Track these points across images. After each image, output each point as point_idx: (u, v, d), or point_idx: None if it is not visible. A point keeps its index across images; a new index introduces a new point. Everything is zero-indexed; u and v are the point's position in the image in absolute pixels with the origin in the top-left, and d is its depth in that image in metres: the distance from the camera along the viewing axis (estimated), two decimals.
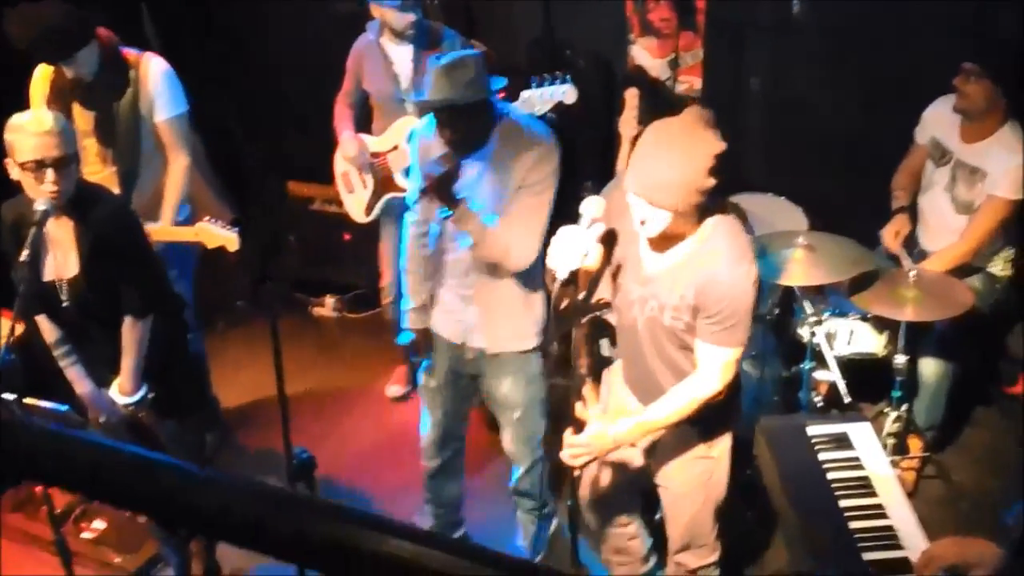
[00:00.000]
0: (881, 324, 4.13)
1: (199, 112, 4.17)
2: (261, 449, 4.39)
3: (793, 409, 4.20)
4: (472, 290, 3.38)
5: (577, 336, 2.90)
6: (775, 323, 4.34)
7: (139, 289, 3.28)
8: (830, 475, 3.11)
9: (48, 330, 3.36)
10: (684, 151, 2.61)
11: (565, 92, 3.61)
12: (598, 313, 3.21)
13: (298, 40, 5.60)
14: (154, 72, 3.92)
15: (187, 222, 3.97)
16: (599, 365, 3.35)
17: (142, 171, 3.99)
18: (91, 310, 3.29)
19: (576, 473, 3.02)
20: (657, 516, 3.50)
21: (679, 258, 2.80)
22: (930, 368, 4.10)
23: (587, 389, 2.97)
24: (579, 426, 2.90)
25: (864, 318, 4.16)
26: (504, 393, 3.51)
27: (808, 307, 4.10)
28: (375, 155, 4.54)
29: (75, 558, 3.54)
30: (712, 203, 2.74)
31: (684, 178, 2.61)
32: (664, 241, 2.79)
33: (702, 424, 2.98)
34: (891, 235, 4.20)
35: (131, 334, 3.29)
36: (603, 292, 3.03)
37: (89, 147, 3.90)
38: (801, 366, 4.17)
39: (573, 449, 2.88)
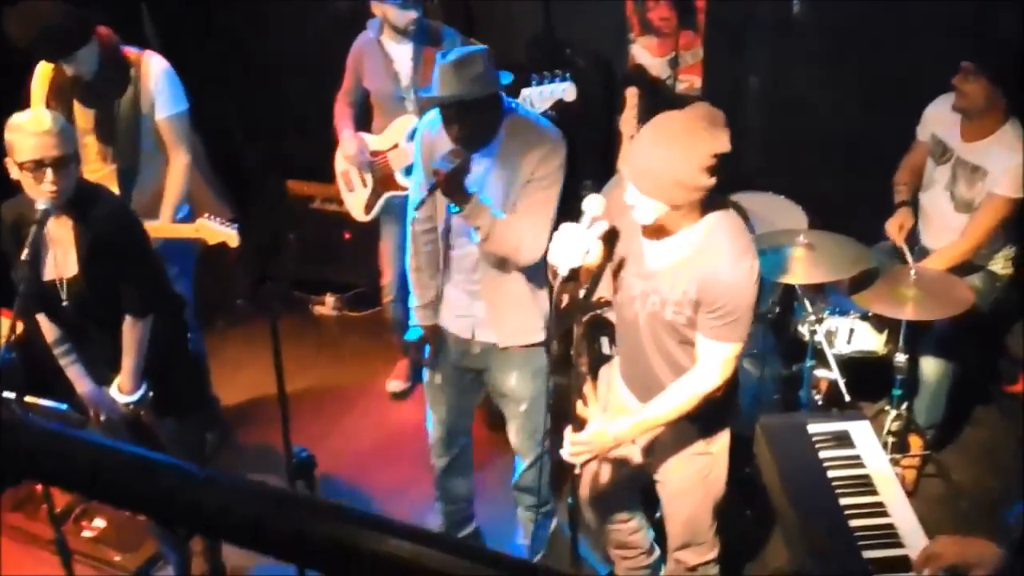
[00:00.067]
0: (881, 323, 4.12)
1: (199, 112, 4.17)
2: (261, 448, 4.38)
3: (793, 407, 4.21)
4: (480, 285, 3.37)
5: (578, 334, 2.90)
6: (775, 321, 4.35)
7: (139, 289, 3.28)
8: (830, 473, 3.11)
9: (48, 329, 3.36)
10: (680, 146, 2.61)
11: (565, 90, 3.60)
12: (599, 311, 3.21)
13: (298, 40, 5.59)
14: (154, 70, 3.92)
15: (186, 221, 3.97)
16: (599, 363, 3.36)
17: (142, 169, 3.99)
18: (91, 309, 3.29)
19: (577, 471, 3.03)
20: (657, 515, 3.50)
21: (682, 254, 2.80)
22: (930, 367, 4.11)
23: (587, 387, 2.98)
24: (580, 424, 2.90)
25: (864, 316, 4.16)
26: (512, 386, 3.51)
27: (808, 305, 4.10)
28: (375, 153, 4.54)
29: (75, 557, 3.54)
30: (712, 200, 2.75)
31: (675, 173, 2.62)
32: (660, 233, 2.80)
33: (701, 420, 2.99)
34: (895, 228, 4.21)
35: (131, 334, 3.29)
36: (603, 290, 3.04)
37: (89, 145, 3.90)
38: (801, 364, 4.17)
39: (574, 447, 2.88)
